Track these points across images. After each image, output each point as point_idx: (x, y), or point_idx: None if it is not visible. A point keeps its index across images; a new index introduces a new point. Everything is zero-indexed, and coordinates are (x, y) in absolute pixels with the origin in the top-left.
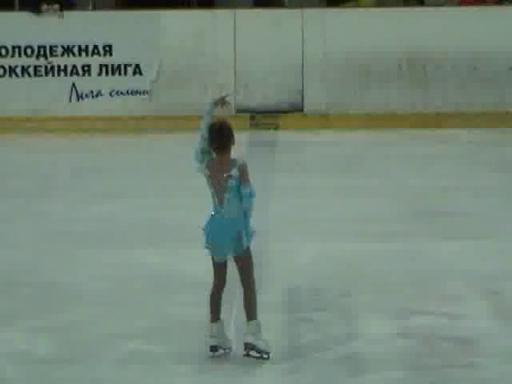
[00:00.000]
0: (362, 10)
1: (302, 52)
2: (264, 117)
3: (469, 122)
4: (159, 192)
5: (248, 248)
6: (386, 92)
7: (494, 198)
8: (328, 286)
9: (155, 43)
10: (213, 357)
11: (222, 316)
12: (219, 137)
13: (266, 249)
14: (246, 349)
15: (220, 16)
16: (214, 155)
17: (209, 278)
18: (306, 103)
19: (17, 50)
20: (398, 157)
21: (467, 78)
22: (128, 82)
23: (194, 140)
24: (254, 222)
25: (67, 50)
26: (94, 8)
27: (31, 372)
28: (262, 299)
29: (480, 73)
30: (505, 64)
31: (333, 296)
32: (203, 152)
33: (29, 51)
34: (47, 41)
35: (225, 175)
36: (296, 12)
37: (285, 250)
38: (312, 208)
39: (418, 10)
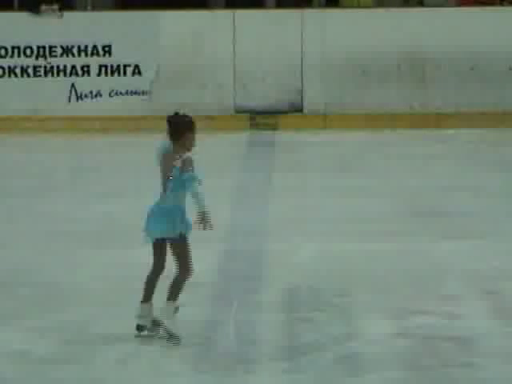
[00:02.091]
0: (361, 10)
1: (301, 52)
2: (263, 117)
3: (468, 121)
4: (159, 192)
5: (184, 235)
6: (385, 92)
7: (494, 197)
8: (327, 285)
9: (154, 43)
10: (138, 336)
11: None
12: (171, 128)
13: (266, 248)
14: (154, 325)
15: (219, 16)
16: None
17: (207, 278)
18: (305, 103)
19: (16, 50)
20: (397, 157)
21: (466, 77)
22: (127, 82)
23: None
24: (254, 221)
25: (66, 51)
26: (94, 8)
27: (31, 372)
28: (261, 299)
29: (479, 73)
30: (504, 64)
31: (332, 296)
32: None
33: (28, 51)
34: (46, 41)
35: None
36: (295, 12)
37: (284, 249)
38: (311, 208)
39: (418, 10)
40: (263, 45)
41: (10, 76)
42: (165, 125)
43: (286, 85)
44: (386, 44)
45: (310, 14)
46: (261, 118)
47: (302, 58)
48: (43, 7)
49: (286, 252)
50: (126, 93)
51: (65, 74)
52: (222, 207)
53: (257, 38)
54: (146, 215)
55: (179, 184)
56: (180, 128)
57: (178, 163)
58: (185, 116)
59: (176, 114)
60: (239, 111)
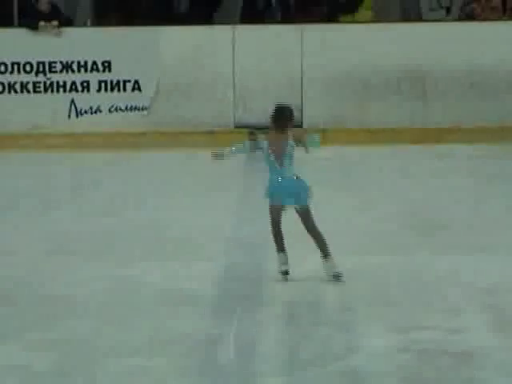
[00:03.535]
0: (361, 25)
1: (301, 67)
2: (263, 132)
3: (469, 136)
4: (159, 206)
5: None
6: (385, 107)
7: (495, 211)
8: (328, 299)
9: (154, 59)
10: (286, 280)
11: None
12: (279, 119)
13: (266, 264)
14: (336, 277)
15: (219, 31)
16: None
17: (207, 292)
18: (305, 118)
19: (16, 66)
20: (398, 171)
21: (467, 92)
22: (127, 97)
23: (194, 154)
24: (254, 235)
25: (66, 67)
26: (93, 24)
27: None
28: (261, 313)
29: (480, 88)
30: (505, 79)
31: (333, 310)
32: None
33: (28, 67)
34: (46, 57)
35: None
36: (295, 27)
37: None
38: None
39: (417, 24)
40: (263, 60)
41: (9, 92)
42: (165, 140)
43: (285, 100)
44: (386, 59)
45: (310, 29)
46: (261, 133)
47: (301, 73)
48: (42, 24)
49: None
50: (126, 108)
51: (64, 90)
52: (222, 221)
53: (257, 53)
54: (269, 190)
55: (292, 159)
56: (290, 121)
57: (291, 138)
58: (286, 108)
59: (279, 108)
60: (239, 126)
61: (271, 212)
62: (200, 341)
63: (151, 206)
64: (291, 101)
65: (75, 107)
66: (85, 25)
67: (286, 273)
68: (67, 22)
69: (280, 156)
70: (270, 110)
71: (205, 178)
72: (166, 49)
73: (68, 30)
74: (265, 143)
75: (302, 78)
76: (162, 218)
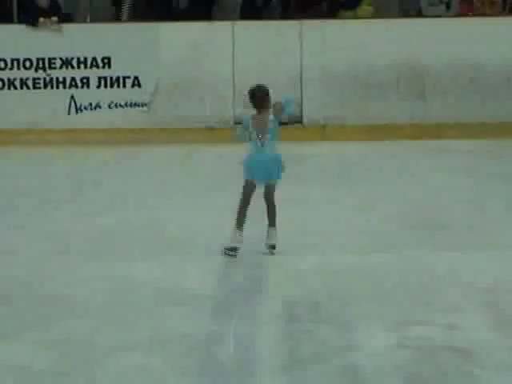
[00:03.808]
0: (360, 21)
1: (301, 64)
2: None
3: (469, 133)
4: (159, 205)
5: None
6: (385, 103)
7: (495, 209)
8: (328, 297)
9: (154, 55)
10: (230, 256)
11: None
12: (255, 97)
13: (265, 262)
14: (270, 248)
15: (218, 28)
16: (255, 113)
17: (207, 290)
18: (304, 115)
19: (15, 62)
20: (397, 168)
21: (466, 89)
22: (127, 94)
23: (194, 152)
24: (254, 233)
25: (66, 63)
26: (93, 20)
27: None
28: (261, 311)
29: (479, 84)
30: (504, 75)
31: (332, 308)
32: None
33: (27, 64)
34: (46, 53)
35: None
36: (295, 23)
37: (284, 262)
38: (311, 220)
39: (417, 21)
40: (263, 57)
41: (9, 88)
42: (164, 136)
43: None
44: (386, 55)
45: (310, 26)
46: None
47: (301, 70)
48: (41, 20)
49: (286, 264)
50: (126, 105)
51: (64, 87)
52: (222, 219)
53: (256, 50)
54: (246, 163)
55: (275, 134)
56: (266, 99)
57: (271, 112)
58: (260, 87)
59: (254, 88)
60: (239, 123)
61: (245, 186)
62: (200, 340)
63: (151, 205)
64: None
65: (75, 103)
66: (84, 21)
67: (233, 249)
68: (67, 17)
69: (262, 131)
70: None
71: (204, 176)
72: (165, 45)
73: (67, 26)
74: (249, 119)
75: (301, 75)
76: (161, 218)
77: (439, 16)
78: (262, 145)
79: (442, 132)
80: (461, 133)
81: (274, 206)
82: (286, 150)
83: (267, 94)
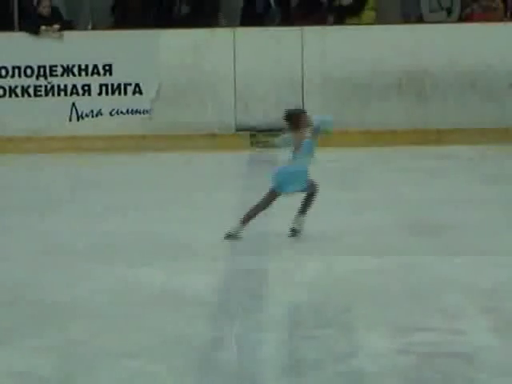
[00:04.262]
0: (361, 26)
1: (302, 69)
2: (264, 135)
3: (469, 138)
4: (160, 209)
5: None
6: (385, 108)
7: (494, 211)
8: (329, 302)
9: (155, 62)
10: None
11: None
12: (292, 121)
13: (266, 267)
14: (292, 231)
15: (219, 34)
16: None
17: (209, 296)
18: None
19: (17, 70)
20: (397, 172)
21: (467, 94)
22: (128, 101)
23: (195, 158)
24: (256, 238)
25: (67, 70)
26: (94, 28)
27: None
28: (263, 317)
29: (480, 89)
30: (505, 80)
31: (334, 312)
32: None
33: (29, 71)
34: (47, 61)
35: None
36: (295, 29)
37: (286, 266)
38: (313, 224)
39: (418, 26)
40: (263, 62)
41: (10, 96)
42: (166, 143)
43: (286, 102)
44: (387, 60)
45: (310, 31)
46: (262, 136)
47: (302, 75)
48: (43, 28)
49: (287, 269)
50: (127, 112)
51: (65, 94)
52: (223, 225)
53: (257, 56)
54: (277, 176)
55: (309, 149)
56: (296, 123)
57: (308, 131)
58: (295, 110)
59: (289, 111)
60: (240, 129)
61: (270, 194)
62: (201, 345)
63: (152, 210)
64: (292, 103)
65: (76, 111)
66: (85, 28)
67: (232, 237)
68: (68, 25)
69: (296, 147)
70: (272, 112)
71: (206, 181)
72: (166, 52)
73: (69, 34)
74: (289, 137)
75: (302, 80)
76: (162, 223)
77: (440, 22)
78: (294, 158)
79: (442, 137)
80: (461, 138)
81: (309, 197)
82: (287, 156)
83: (299, 117)
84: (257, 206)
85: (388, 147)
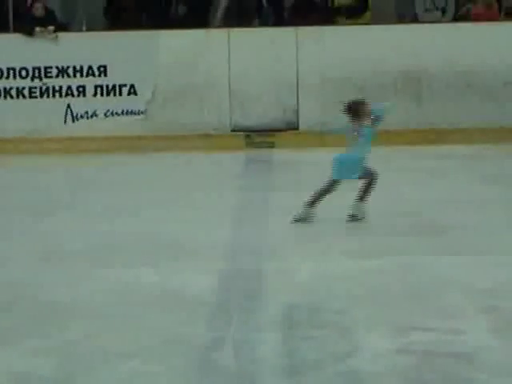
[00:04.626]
0: (356, 26)
1: (297, 69)
2: (260, 135)
3: (466, 137)
4: (158, 209)
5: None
6: None
7: (493, 211)
8: (327, 302)
9: (150, 63)
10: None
11: None
12: (351, 112)
13: (265, 267)
14: (351, 217)
15: (214, 35)
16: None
17: (207, 297)
18: (301, 121)
19: (11, 71)
20: (396, 172)
21: (464, 93)
22: (123, 102)
23: (192, 159)
24: (253, 240)
25: (62, 72)
26: (89, 29)
27: None
28: (261, 318)
29: (476, 88)
30: (501, 79)
31: (332, 313)
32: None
33: (23, 73)
34: (42, 62)
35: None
36: (290, 30)
37: (283, 268)
38: (310, 225)
39: (413, 26)
40: (259, 63)
41: (5, 98)
42: (161, 144)
43: (282, 103)
44: (382, 61)
45: (306, 31)
46: (258, 137)
47: (297, 76)
48: (38, 29)
49: (285, 270)
50: (122, 113)
51: (60, 95)
52: (220, 226)
53: (252, 56)
54: (334, 164)
55: (367, 138)
56: (356, 113)
57: (368, 124)
58: (355, 101)
59: (349, 102)
60: (236, 130)
61: (330, 182)
62: (199, 346)
63: (149, 211)
64: (287, 103)
65: (71, 112)
66: (80, 29)
67: (302, 220)
68: (62, 26)
69: (354, 136)
70: (267, 112)
71: (202, 181)
72: (162, 53)
73: (63, 35)
74: (347, 126)
75: (298, 81)
76: (160, 224)
77: (435, 22)
78: (353, 146)
79: (439, 137)
80: (458, 138)
81: (368, 184)
82: (283, 156)
83: (358, 107)
84: (319, 191)
85: (385, 146)
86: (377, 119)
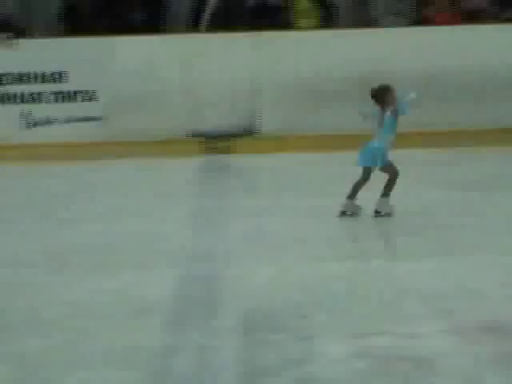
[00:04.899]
0: (312, 31)
1: (254, 75)
2: (218, 141)
3: (423, 141)
4: (116, 217)
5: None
6: (339, 113)
7: (452, 216)
8: (285, 308)
9: (108, 70)
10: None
11: None
12: (375, 97)
13: (222, 273)
14: (376, 213)
15: (171, 41)
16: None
17: (164, 303)
18: (258, 126)
19: None
20: (353, 177)
21: (420, 97)
22: (81, 108)
23: (149, 165)
24: (210, 245)
25: (20, 78)
26: (46, 35)
27: None
28: (217, 324)
29: (433, 92)
30: (458, 82)
31: (290, 318)
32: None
33: None
34: (0, 68)
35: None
36: (247, 35)
37: (241, 273)
38: (268, 231)
39: (369, 30)
40: (216, 68)
41: None
42: (119, 150)
43: (239, 108)
44: (339, 65)
45: (262, 37)
46: (215, 143)
47: (254, 81)
48: None
49: (242, 276)
50: (80, 119)
51: (19, 102)
52: (177, 232)
53: (209, 62)
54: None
55: (389, 127)
56: (379, 97)
57: (389, 112)
58: (380, 86)
59: (373, 88)
60: (193, 136)
61: (363, 171)
62: (156, 353)
63: (108, 217)
64: (244, 109)
65: (29, 119)
66: (38, 36)
67: (343, 213)
68: (20, 33)
69: (378, 124)
70: (224, 118)
71: (160, 187)
72: (119, 59)
73: (21, 41)
74: (376, 112)
75: (255, 86)
76: (118, 230)
77: (394, 26)
78: (377, 134)
79: (395, 140)
80: (415, 141)
81: (389, 181)
82: (241, 161)
83: (384, 92)
84: (357, 181)
85: (342, 151)
86: (400, 110)
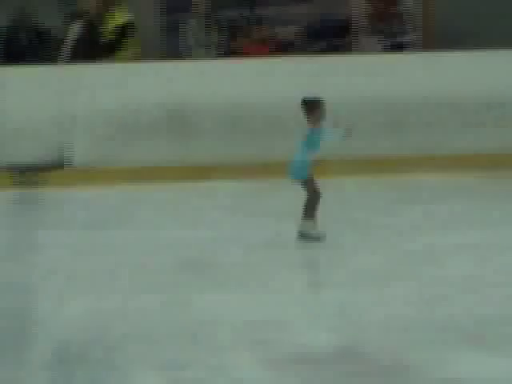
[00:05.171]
0: (125, 64)
1: (67, 106)
2: (29, 173)
3: (233, 174)
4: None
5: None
6: (150, 146)
7: (263, 249)
8: (97, 340)
9: None
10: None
11: None
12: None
13: (36, 305)
14: (300, 234)
15: None
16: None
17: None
18: (70, 158)
19: None
20: (165, 208)
21: (230, 130)
22: None
23: None
24: (22, 277)
25: None
26: None
27: None
28: (28, 356)
29: (243, 125)
30: (269, 115)
31: (102, 350)
32: None
33: None
34: None
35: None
36: (56, 68)
37: (55, 304)
38: (80, 264)
39: (179, 62)
40: (30, 100)
41: None
42: None
43: (52, 141)
44: (150, 97)
45: (74, 69)
46: (26, 175)
47: (67, 113)
48: None
49: (56, 307)
50: None
51: None
52: None
53: (21, 94)
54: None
55: (309, 143)
56: (310, 110)
57: (312, 127)
58: (314, 98)
59: (307, 98)
60: (4, 168)
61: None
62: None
63: None
64: (57, 141)
65: None
66: None
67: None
68: None
69: (303, 137)
70: (37, 150)
71: None
72: None
73: None
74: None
75: (67, 117)
76: None
77: (204, 58)
78: (299, 146)
79: (206, 174)
80: (225, 174)
81: (307, 201)
82: (53, 194)
83: (315, 105)
84: (307, 199)
85: (154, 184)
86: (325, 133)
